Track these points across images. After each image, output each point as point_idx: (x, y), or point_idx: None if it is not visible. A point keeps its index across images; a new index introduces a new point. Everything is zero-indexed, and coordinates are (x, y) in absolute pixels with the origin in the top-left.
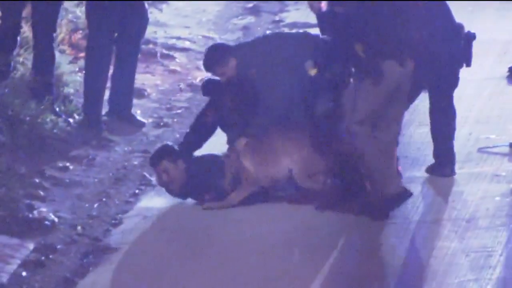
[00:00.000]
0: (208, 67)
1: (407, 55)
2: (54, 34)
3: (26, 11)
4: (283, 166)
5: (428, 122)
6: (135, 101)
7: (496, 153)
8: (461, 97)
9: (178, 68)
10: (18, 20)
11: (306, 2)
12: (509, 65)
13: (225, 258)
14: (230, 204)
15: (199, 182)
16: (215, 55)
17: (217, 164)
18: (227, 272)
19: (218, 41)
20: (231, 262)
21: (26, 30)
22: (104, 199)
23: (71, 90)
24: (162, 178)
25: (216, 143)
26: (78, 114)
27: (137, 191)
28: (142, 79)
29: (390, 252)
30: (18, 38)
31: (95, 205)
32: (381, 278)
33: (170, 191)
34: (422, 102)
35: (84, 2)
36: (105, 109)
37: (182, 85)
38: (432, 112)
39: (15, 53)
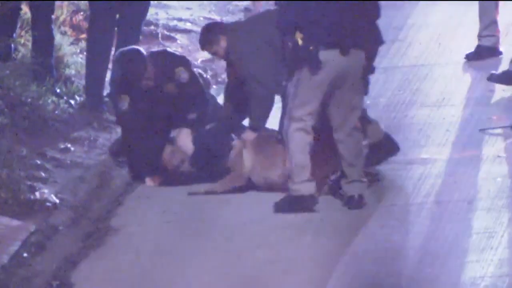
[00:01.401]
0: (202, 46)
1: (350, 45)
2: (53, 16)
3: None
4: (281, 170)
5: (431, 104)
6: None
7: (497, 135)
8: (462, 79)
9: (179, 50)
10: (18, 2)
11: None
12: (467, 52)
13: (226, 240)
14: (214, 191)
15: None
16: (207, 35)
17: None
18: (227, 254)
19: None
20: (231, 243)
21: (27, 12)
22: (105, 181)
23: (73, 72)
24: (173, 162)
25: None
26: (80, 96)
27: None
28: None
29: (391, 234)
30: (18, 21)
31: (97, 187)
32: (382, 261)
33: (184, 175)
34: (424, 82)
35: None
36: (106, 91)
37: None
38: None
39: (15, 35)
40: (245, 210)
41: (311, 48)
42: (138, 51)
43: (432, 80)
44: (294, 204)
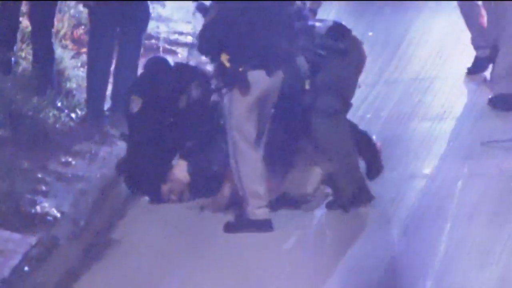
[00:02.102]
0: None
1: (275, 66)
2: (53, 29)
3: (26, 6)
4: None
5: (432, 117)
6: None
7: (499, 148)
8: (463, 92)
9: None
10: (17, 15)
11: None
12: (468, 65)
13: (226, 254)
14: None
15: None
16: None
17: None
18: (227, 267)
19: None
20: (231, 258)
21: (29, 25)
22: (106, 194)
23: (74, 85)
24: (173, 198)
25: None
26: (81, 109)
27: None
28: None
29: (390, 249)
30: (18, 34)
31: (98, 200)
32: (382, 274)
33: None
34: (425, 95)
35: None
36: (107, 104)
37: None
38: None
39: (16, 48)
40: None
41: (240, 69)
42: (166, 61)
43: (433, 93)
44: (250, 226)
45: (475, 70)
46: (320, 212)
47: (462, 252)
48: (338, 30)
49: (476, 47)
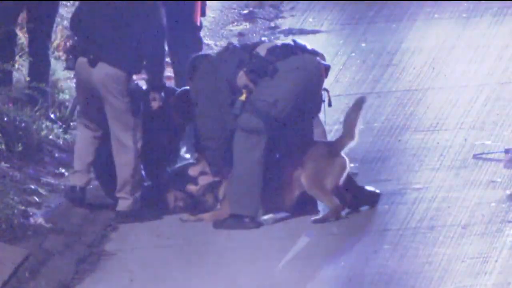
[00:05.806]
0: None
1: (98, 57)
2: (50, 41)
3: (21, 17)
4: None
5: (425, 128)
6: None
7: (491, 159)
8: (456, 103)
9: (173, 75)
10: (14, 28)
11: (301, 8)
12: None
13: (220, 264)
14: (204, 220)
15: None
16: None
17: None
18: (222, 278)
19: (213, 47)
20: (226, 268)
21: (22, 37)
22: (99, 205)
23: (67, 97)
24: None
25: None
26: (73, 121)
27: None
28: None
29: (386, 259)
30: (15, 47)
31: (90, 211)
32: (375, 286)
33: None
34: (418, 107)
35: None
36: None
37: None
38: None
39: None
40: (238, 234)
41: (73, 52)
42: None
43: (426, 104)
44: (67, 193)
45: None
46: (309, 223)
47: (456, 261)
48: (281, 51)
49: None
